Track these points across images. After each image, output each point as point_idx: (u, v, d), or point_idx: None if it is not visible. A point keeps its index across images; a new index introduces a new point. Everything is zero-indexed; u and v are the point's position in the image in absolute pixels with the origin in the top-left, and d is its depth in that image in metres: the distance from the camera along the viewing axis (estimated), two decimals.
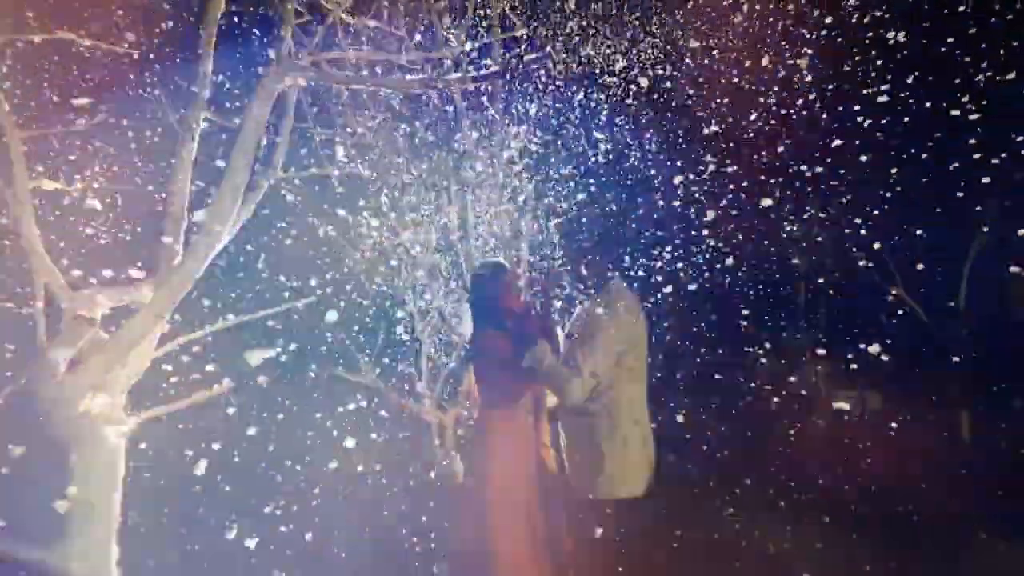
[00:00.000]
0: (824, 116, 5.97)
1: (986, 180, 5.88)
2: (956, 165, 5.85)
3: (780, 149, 6.01)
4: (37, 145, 2.00)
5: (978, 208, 6.31)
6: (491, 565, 2.34)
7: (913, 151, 5.96)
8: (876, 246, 6.47)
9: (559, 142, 4.44)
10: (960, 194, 6.08)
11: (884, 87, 5.03)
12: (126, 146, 2.29)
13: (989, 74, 5.20)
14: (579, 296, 2.96)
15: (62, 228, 2.14)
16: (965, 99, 5.03)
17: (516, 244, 4.52)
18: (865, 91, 5.27)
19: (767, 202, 6.03)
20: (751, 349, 7.08)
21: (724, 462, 5.22)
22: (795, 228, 6.98)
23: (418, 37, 2.82)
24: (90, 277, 2.02)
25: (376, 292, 4.71)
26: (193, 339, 2.06)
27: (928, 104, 5.34)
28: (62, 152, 2.15)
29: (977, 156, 5.57)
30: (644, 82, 4.16)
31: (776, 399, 6.25)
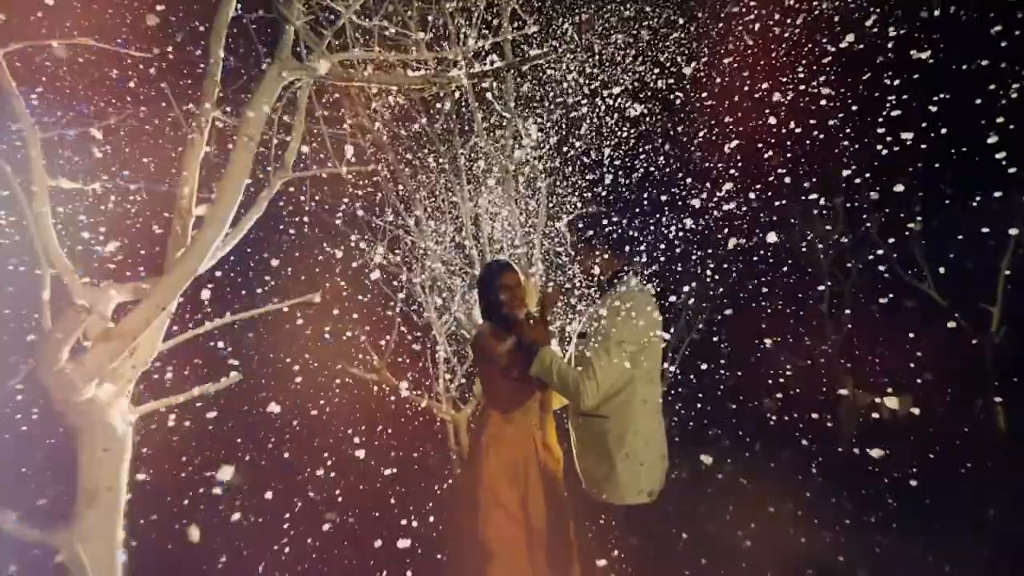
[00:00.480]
0: (845, 143, 5.83)
1: (1014, 232, 5.67)
2: (978, 200, 5.65)
3: (790, 180, 5.90)
4: (55, 146, 2.08)
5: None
6: (485, 565, 2.33)
7: (940, 178, 5.76)
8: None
9: (570, 148, 4.44)
10: (986, 229, 5.85)
11: (897, 112, 4.86)
12: (139, 147, 2.37)
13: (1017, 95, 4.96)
14: (591, 293, 2.92)
15: (77, 225, 2.23)
16: (999, 120, 4.80)
17: (529, 242, 4.52)
18: (882, 117, 5.12)
19: (772, 237, 5.92)
20: (773, 372, 6.91)
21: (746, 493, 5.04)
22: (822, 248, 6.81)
23: (422, 34, 2.83)
24: (103, 273, 2.10)
25: (392, 291, 4.78)
26: (199, 333, 2.12)
27: (953, 128, 5.15)
28: (79, 152, 2.24)
29: (1000, 195, 5.37)
30: (637, 109, 4.14)
31: (800, 427, 6.05)
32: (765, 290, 6.54)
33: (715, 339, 6.56)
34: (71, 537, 1.63)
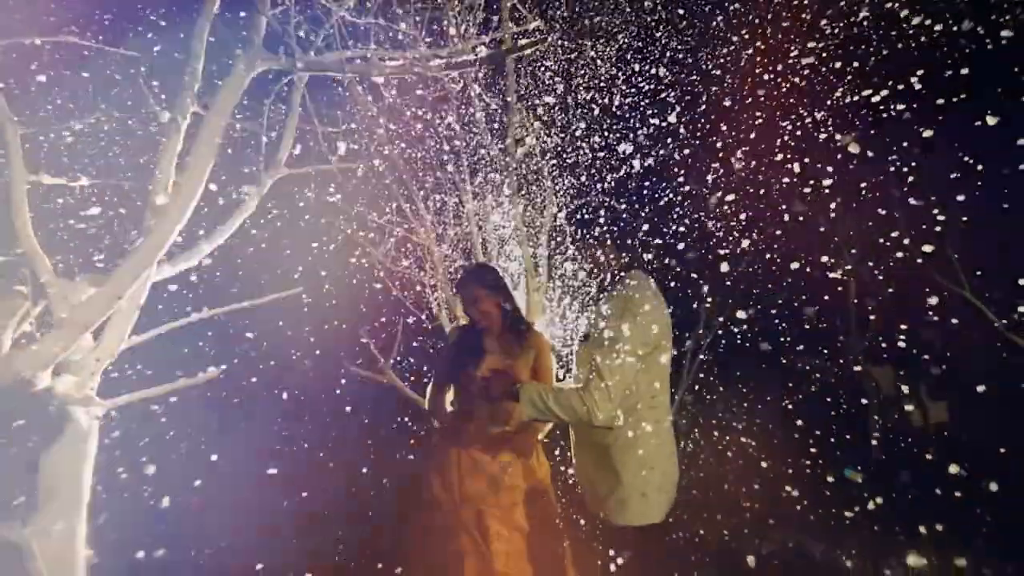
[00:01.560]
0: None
1: None
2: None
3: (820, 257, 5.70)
4: (34, 141, 2.10)
5: None
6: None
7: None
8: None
9: (574, 140, 4.36)
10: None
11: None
12: (120, 142, 2.38)
13: None
14: (594, 291, 2.78)
15: (54, 222, 2.24)
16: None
17: (534, 237, 4.44)
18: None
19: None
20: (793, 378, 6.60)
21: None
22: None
23: (404, 24, 2.79)
24: (80, 269, 2.09)
25: (399, 289, 4.75)
26: (174, 327, 2.10)
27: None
28: (59, 148, 2.26)
29: None
30: (636, 163, 4.03)
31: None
32: (785, 290, 6.24)
33: (734, 343, 6.30)
34: (27, 534, 1.61)
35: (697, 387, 6.00)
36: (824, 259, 6.35)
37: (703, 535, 4.04)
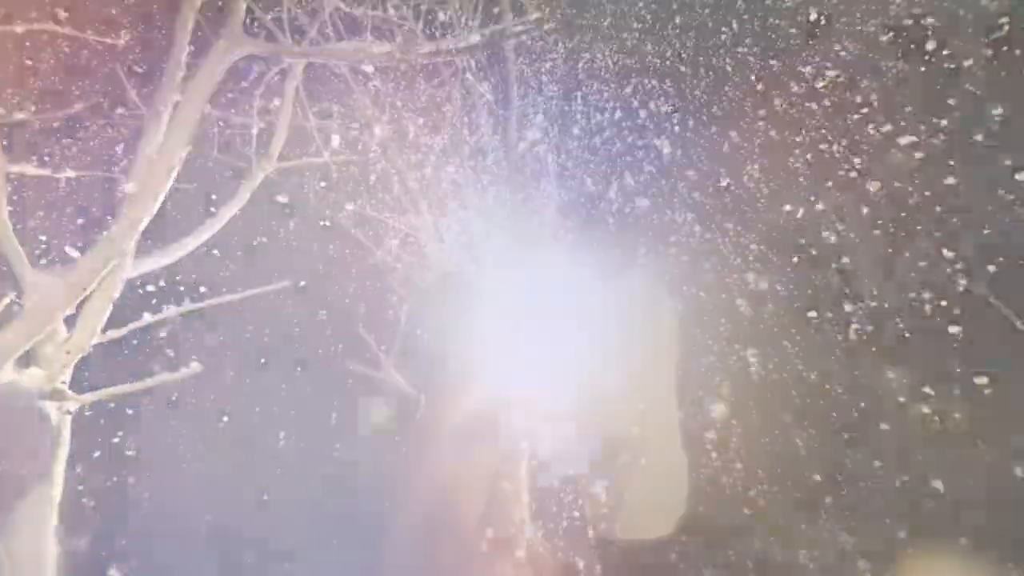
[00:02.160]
0: None
1: None
2: None
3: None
4: (15, 132, 2.07)
5: None
6: None
7: None
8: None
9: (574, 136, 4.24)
10: None
11: None
12: (103, 134, 2.35)
13: None
14: (597, 295, 2.69)
15: (35, 211, 2.21)
16: None
17: (536, 237, 4.35)
18: None
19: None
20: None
21: None
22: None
23: (392, 11, 2.73)
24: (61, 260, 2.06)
25: (400, 288, 4.69)
26: (155, 322, 2.05)
27: None
28: (42, 138, 2.23)
29: None
30: (644, 203, 3.92)
31: None
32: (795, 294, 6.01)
33: (743, 348, 6.11)
34: None
35: (699, 405, 5.83)
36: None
37: (709, 555, 3.92)
